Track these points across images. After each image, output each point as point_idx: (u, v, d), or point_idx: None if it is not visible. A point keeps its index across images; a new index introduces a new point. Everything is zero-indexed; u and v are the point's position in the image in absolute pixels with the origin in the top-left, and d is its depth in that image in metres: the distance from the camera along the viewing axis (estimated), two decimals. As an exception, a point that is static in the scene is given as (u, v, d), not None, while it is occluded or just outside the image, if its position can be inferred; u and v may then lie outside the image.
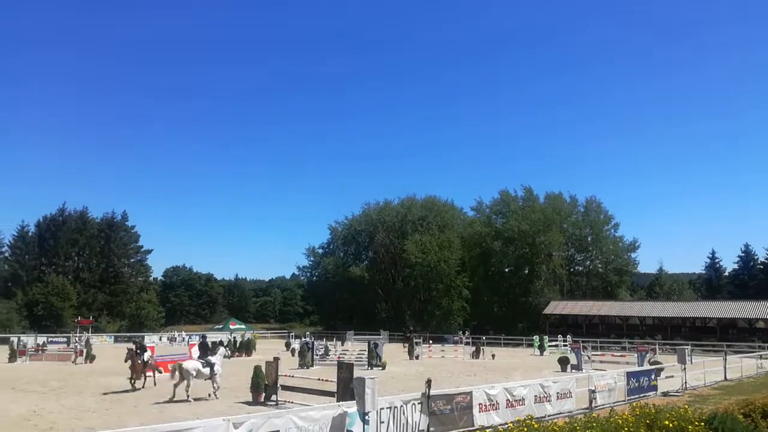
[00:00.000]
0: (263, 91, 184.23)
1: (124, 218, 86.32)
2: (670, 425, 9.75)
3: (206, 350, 19.70)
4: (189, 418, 13.13)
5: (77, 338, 46.18)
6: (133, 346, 22.19)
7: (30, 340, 42.79)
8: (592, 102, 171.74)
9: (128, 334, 63.37)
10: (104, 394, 20.51)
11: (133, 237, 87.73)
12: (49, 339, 48.84)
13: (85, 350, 35.13)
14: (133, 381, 21.42)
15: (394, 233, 76.87)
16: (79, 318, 54.85)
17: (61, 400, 18.90)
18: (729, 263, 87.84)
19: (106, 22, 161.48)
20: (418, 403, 12.56)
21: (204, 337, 22.31)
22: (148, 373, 22.44)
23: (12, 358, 33.80)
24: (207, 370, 19.17)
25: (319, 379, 18.22)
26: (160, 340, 57.89)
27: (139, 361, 21.39)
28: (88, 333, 49.72)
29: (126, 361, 21.54)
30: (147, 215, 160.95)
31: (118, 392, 20.95)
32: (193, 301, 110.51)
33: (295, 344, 40.04)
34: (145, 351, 22.38)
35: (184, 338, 58.21)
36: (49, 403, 18.01)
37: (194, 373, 18.73)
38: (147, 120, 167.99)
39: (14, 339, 39.37)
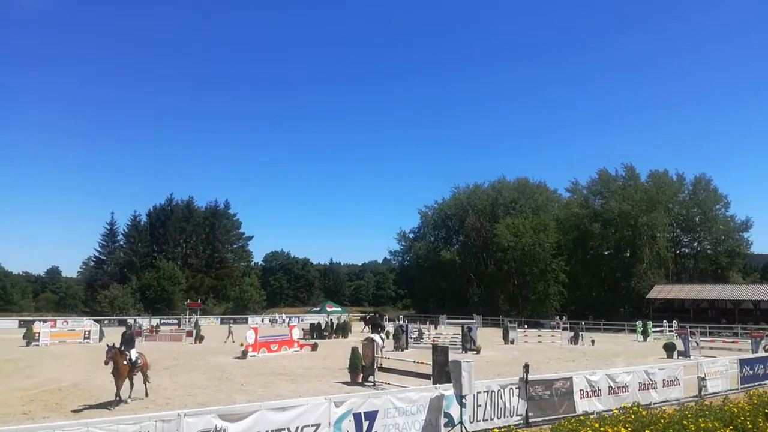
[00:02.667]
0: (358, 78, 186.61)
1: (226, 207, 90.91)
2: (793, 416, 9.06)
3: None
4: (292, 397, 13.72)
5: (187, 320, 49.37)
6: (113, 344, 15.48)
7: (145, 322, 46.13)
8: (699, 80, 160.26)
9: (233, 316, 66.89)
10: (213, 372, 21.78)
11: (235, 224, 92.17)
12: (162, 321, 52.38)
13: (194, 331, 37.40)
14: (119, 391, 15.24)
15: (484, 217, 75.85)
16: (188, 301, 58.46)
17: (174, 377, 20.27)
18: None
19: (202, 24, 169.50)
20: (516, 388, 12.41)
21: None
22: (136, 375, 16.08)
23: (130, 338, 36.26)
24: None
25: (414, 362, 18.41)
26: (262, 321, 60.63)
27: (125, 362, 15.32)
28: (197, 315, 53.02)
29: (107, 363, 14.98)
30: (248, 203, 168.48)
31: (226, 370, 22.18)
32: (291, 284, 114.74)
33: (390, 327, 40.63)
34: (132, 345, 16.00)
35: (284, 320, 60.63)
36: (164, 381, 19.34)
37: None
38: (246, 113, 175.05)
39: (131, 321, 42.61)
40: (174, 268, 77.51)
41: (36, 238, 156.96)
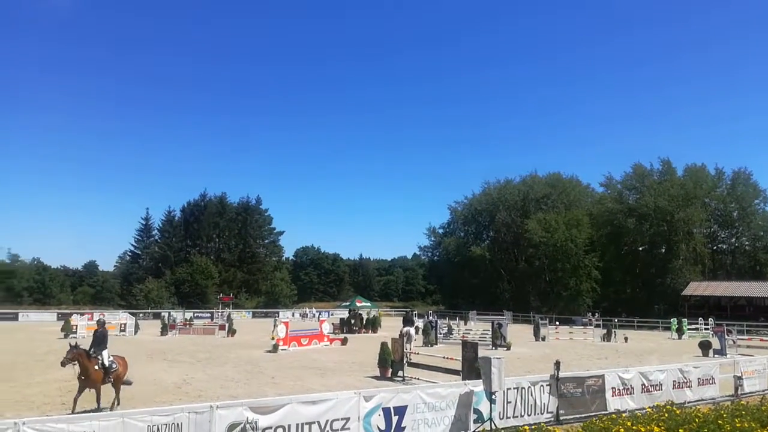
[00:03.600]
0: (386, 77, 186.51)
1: (258, 202, 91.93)
2: (835, 418, 8.78)
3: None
4: (322, 390, 13.85)
5: (220, 313, 50.13)
6: (76, 344, 12.91)
7: (179, 315, 47.02)
8: (739, 74, 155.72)
9: (265, 310, 67.72)
10: (244, 365, 22.11)
11: (267, 220, 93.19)
12: (196, 314, 53.29)
13: (227, 324, 37.97)
14: (77, 398, 12.56)
15: (515, 212, 75.16)
16: (221, 295, 59.30)
17: (207, 370, 20.62)
18: None
19: (231, 23, 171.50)
20: (547, 385, 12.31)
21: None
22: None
23: (164, 331, 37.14)
24: None
25: (443, 357, 18.37)
26: (293, 315, 61.21)
27: (96, 367, 12.73)
28: (230, 309, 53.77)
29: (64, 364, 12.47)
30: (279, 199, 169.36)
31: (257, 363, 22.49)
32: (321, 279, 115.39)
33: (419, 323, 40.63)
34: (104, 347, 13.09)
35: (314, 314, 61.10)
36: (198, 373, 19.70)
37: None
38: (276, 111, 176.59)
39: (165, 314, 43.45)
40: (207, 262, 78.78)
41: (74, 233, 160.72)
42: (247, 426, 8.59)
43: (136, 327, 38.23)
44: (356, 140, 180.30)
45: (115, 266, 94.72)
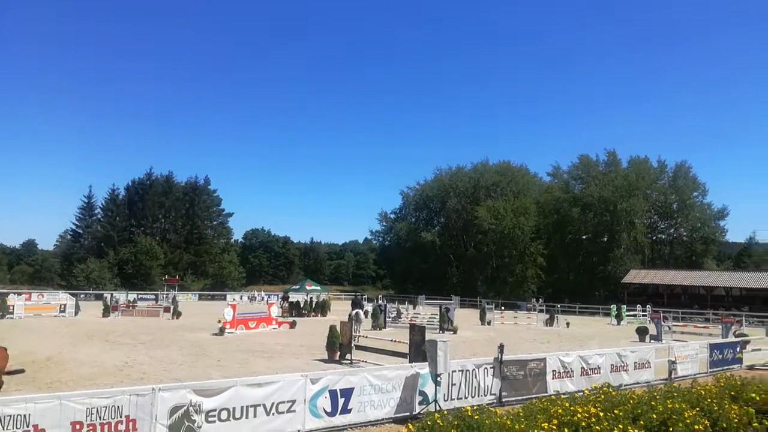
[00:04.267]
0: (339, 60, 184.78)
1: (206, 182, 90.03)
2: (757, 398, 9.33)
3: None
4: (269, 373, 13.76)
5: (165, 295, 49.04)
6: None
7: (122, 296, 45.78)
8: (687, 73, 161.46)
9: (212, 293, 66.64)
10: (189, 347, 21.75)
11: (215, 200, 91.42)
12: (139, 296, 51.97)
13: (172, 307, 37.22)
14: None
15: (466, 199, 76.16)
16: (166, 276, 58.01)
17: (150, 352, 20.17)
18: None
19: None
20: (491, 368, 12.59)
21: None
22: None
23: (106, 312, 36.10)
24: None
25: (391, 341, 18.53)
26: (241, 299, 60.45)
27: None
28: (175, 291, 52.64)
29: None
30: (228, 180, 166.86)
31: (203, 346, 22.15)
32: (271, 262, 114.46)
33: (368, 306, 40.81)
34: None
35: (263, 297, 60.53)
36: (140, 356, 19.25)
37: None
38: (224, 86, 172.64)
39: (107, 295, 42.21)
40: (152, 243, 76.84)
41: (12, 210, 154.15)
42: (191, 409, 8.46)
43: (77, 308, 37.02)
44: (308, 122, 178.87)
45: (55, 245, 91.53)
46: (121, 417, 7.86)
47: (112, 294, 44.53)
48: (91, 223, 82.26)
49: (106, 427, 7.75)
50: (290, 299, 42.43)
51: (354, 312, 23.88)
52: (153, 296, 53.91)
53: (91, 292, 58.24)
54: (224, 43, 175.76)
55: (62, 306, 36.66)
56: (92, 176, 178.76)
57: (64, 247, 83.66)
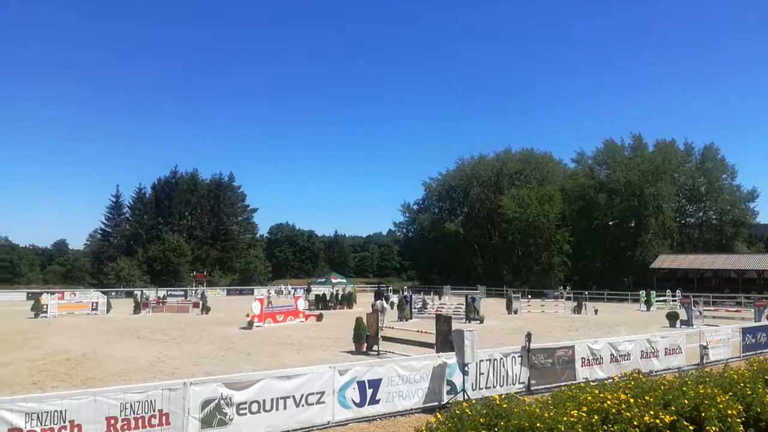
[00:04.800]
0: (358, 50, 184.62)
1: (231, 179, 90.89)
2: (792, 382, 9.12)
3: None
4: (297, 366, 13.90)
5: (194, 291, 49.78)
6: None
7: (151, 293, 46.56)
8: (709, 52, 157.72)
9: (239, 287, 67.44)
10: (219, 342, 22.06)
11: (240, 196, 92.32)
12: (169, 292, 52.81)
13: (201, 302, 37.75)
14: None
15: (489, 188, 75.64)
16: (194, 273, 58.84)
17: (181, 347, 20.53)
18: None
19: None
20: (518, 356, 12.54)
21: None
22: None
23: (136, 309, 36.77)
24: None
25: (418, 331, 18.56)
26: (268, 292, 61.10)
27: None
28: (203, 286, 53.42)
29: None
30: (253, 176, 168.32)
31: (232, 340, 22.45)
32: (296, 256, 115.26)
33: (394, 298, 40.91)
34: None
35: (290, 291, 61.05)
36: (171, 351, 19.60)
37: None
38: (248, 82, 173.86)
39: (137, 293, 42.96)
40: (179, 240, 77.97)
41: (43, 212, 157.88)
42: (222, 402, 8.60)
43: (108, 306, 37.76)
44: (331, 116, 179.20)
45: (85, 245, 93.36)
46: (154, 411, 8.03)
47: (142, 291, 45.28)
48: (120, 222, 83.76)
49: (140, 421, 7.92)
50: (315, 292, 42.74)
51: (378, 303, 23.98)
52: (182, 292, 54.79)
53: (121, 289, 59.40)
54: (246, 37, 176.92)
55: (94, 304, 37.38)
56: (119, 176, 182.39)
57: (94, 246, 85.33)
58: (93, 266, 79.48)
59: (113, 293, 52.84)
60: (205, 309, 36.70)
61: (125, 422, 7.81)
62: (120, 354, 18.72)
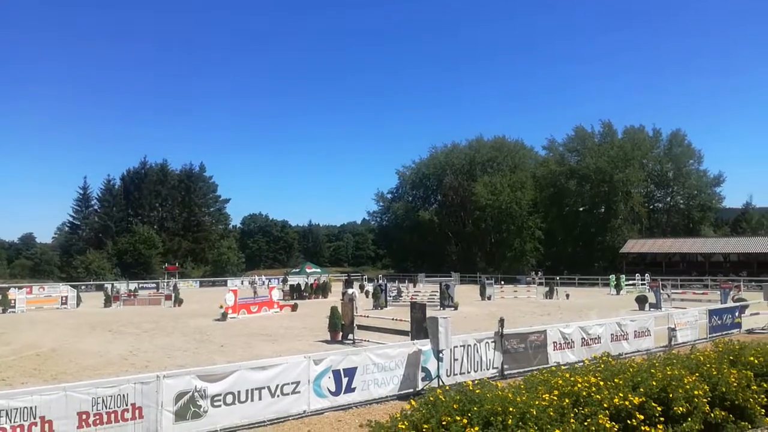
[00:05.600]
0: (332, 39, 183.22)
1: (201, 169, 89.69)
2: (756, 361, 9.42)
3: None
4: (272, 356, 13.86)
5: (166, 283, 49.14)
6: None
7: (122, 286, 45.86)
8: (676, 42, 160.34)
9: (212, 279, 66.83)
10: (192, 334, 21.87)
11: (212, 187, 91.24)
12: (140, 285, 52.07)
13: (173, 294, 37.35)
14: None
15: (462, 176, 76.09)
16: (166, 265, 58.07)
17: (153, 340, 20.30)
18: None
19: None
20: (492, 342, 12.71)
21: None
22: None
23: (107, 303, 36.26)
24: None
25: (393, 319, 18.66)
26: (242, 284, 60.63)
27: None
28: (176, 278, 52.75)
29: None
30: (224, 166, 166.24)
31: (205, 332, 22.28)
32: (270, 246, 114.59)
33: (369, 286, 41.00)
34: None
35: (263, 282, 60.69)
36: (144, 344, 19.37)
37: None
38: (218, 71, 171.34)
39: (108, 286, 42.29)
40: (150, 232, 76.80)
41: (8, 205, 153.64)
42: (196, 394, 8.55)
43: (78, 299, 37.15)
44: (302, 105, 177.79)
45: (53, 238, 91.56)
46: (127, 405, 7.95)
47: (112, 284, 44.60)
48: (89, 215, 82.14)
49: (113, 415, 7.83)
50: (290, 282, 42.63)
51: (349, 291, 24.00)
52: (154, 285, 54.01)
53: (91, 283, 58.33)
54: (212, 27, 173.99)
55: (63, 298, 36.76)
56: (87, 167, 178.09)
57: (63, 239, 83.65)
58: (62, 260, 77.93)
59: (83, 287, 51.91)
60: (178, 301, 36.34)
61: (97, 417, 7.71)
62: (91, 348, 18.44)
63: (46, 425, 7.35)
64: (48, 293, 40.49)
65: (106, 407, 7.78)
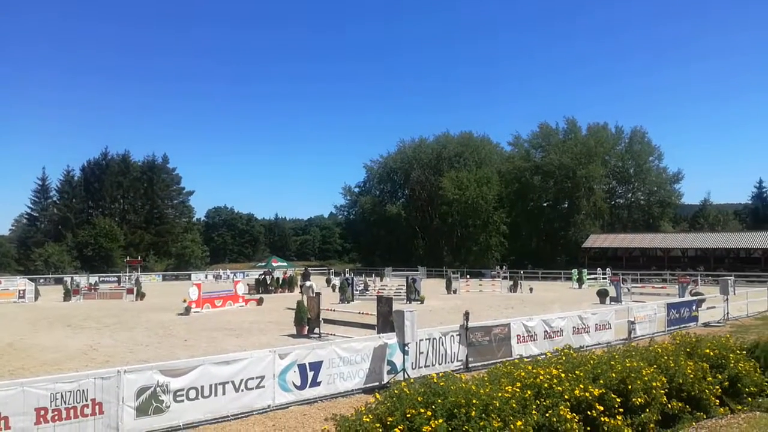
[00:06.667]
0: (298, 24, 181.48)
1: (164, 161, 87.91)
2: (711, 353, 9.76)
3: None
4: (237, 351, 13.75)
5: (128, 277, 48.20)
6: None
7: (83, 279, 44.76)
8: (631, 34, 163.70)
9: (176, 273, 65.83)
10: (155, 328, 21.52)
11: (175, 179, 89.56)
12: (101, 278, 50.96)
13: (135, 288, 36.67)
14: None
15: (429, 170, 76.49)
16: (128, 258, 56.98)
17: (115, 335, 19.91)
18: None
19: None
20: (457, 335, 12.85)
21: None
22: None
23: (67, 296, 35.40)
24: None
25: (359, 313, 18.72)
26: (206, 278, 59.89)
27: None
28: (138, 272, 51.78)
29: None
30: (188, 158, 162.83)
31: (169, 327, 21.95)
32: (235, 240, 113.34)
33: (336, 280, 40.95)
34: None
35: (228, 276, 60.08)
36: (104, 339, 19.00)
37: None
38: (182, 59, 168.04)
39: (67, 279, 41.23)
40: (111, 224, 75.13)
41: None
42: (158, 389, 8.44)
43: (36, 293, 36.16)
44: (267, 95, 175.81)
45: (10, 230, 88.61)
46: (86, 401, 7.80)
47: (72, 277, 43.45)
48: (47, 206, 79.85)
49: (72, 411, 7.68)
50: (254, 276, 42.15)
51: (306, 283, 23.99)
52: (115, 278, 52.93)
53: (50, 276, 56.86)
54: (172, 11, 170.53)
55: (21, 291, 35.74)
56: (45, 157, 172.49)
57: (20, 231, 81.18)
58: (19, 252, 75.61)
59: (41, 280, 50.54)
60: (140, 295, 35.70)
61: (56, 413, 7.55)
62: (50, 343, 17.99)
63: (2, 422, 7.17)
64: (5, 287, 39.36)
65: (65, 403, 7.63)
